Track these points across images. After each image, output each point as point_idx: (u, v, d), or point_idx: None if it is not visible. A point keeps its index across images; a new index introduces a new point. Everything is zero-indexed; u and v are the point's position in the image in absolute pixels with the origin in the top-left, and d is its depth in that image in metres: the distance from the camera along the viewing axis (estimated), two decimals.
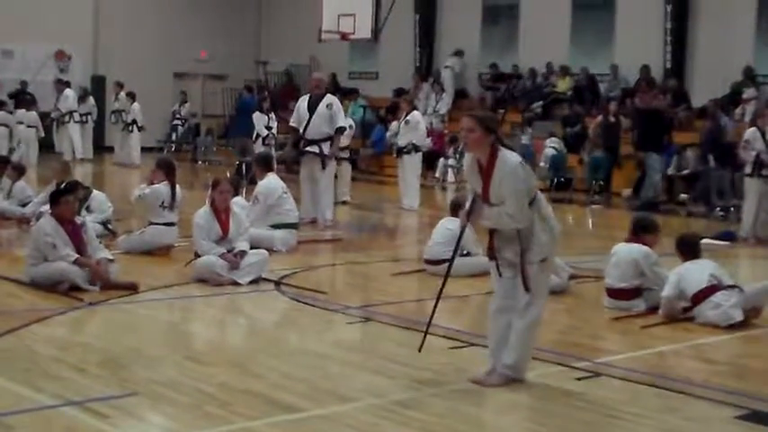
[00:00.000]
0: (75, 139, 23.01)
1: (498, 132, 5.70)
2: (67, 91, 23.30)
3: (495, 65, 23.33)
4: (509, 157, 5.59)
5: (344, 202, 15.66)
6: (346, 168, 16.39)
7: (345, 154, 16.04)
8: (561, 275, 8.66)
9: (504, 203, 5.56)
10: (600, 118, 19.33)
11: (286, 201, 10.95)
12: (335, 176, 15.29)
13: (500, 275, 5.77)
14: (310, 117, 12.88)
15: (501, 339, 5.73)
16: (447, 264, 9.07)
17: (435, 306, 6.11)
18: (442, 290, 6.12)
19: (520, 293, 5.67)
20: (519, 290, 5.67)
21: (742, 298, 7.57)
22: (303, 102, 13.18)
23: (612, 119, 19.10)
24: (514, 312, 5.69)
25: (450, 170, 21.32)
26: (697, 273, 7.72)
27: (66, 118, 23.01)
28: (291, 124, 13.21)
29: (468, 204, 5.89)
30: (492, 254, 5.78)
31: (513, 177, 5.54)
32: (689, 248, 8.01)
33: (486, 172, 5.64)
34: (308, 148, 12.91)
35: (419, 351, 6.02)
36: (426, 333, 6.07)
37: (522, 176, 5.57)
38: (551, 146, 19.48)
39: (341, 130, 13.20)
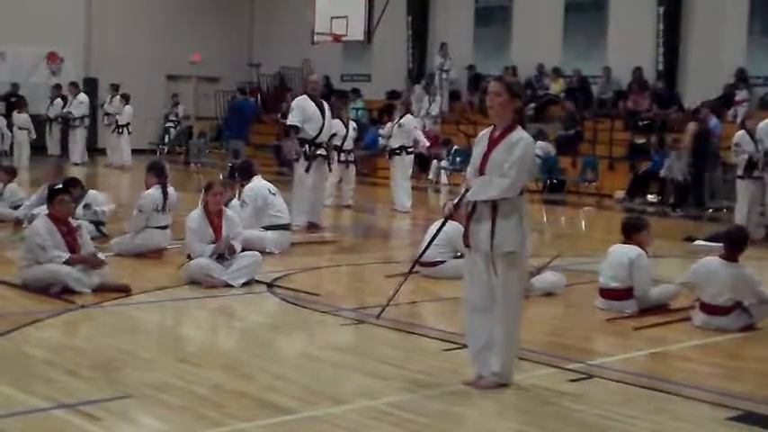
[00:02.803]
0: (78, 143, 23.02)
1: (523, 101, 5.77)
2: (81, 96, 23.25)
3: (473, 66, 23.32)
4: (524, 133, 5.67)
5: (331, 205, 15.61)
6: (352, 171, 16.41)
7: (351, 157, 16.06)
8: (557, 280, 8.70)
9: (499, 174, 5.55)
10: (693, 125, 17.55)
11: (275, 201, 10.93)
12: (340, 180, 15.65)
13: (475, 265, 5.70)
14: (324, 120, 12.77)
15: (483, 346, 5.69)
16: (441, 265, 9.15)
17: (399, 287, 6.62)
18: (408, 273, 6.68)
19: (496, 293, 5.61)
20: (494, 289, 5.62)
21: (746, 320, 7.55)
22: (308, 103, 12.76)
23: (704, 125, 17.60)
24: (491, 315, 5.64)
25: (443, 172, 21.35)
26: (716, 284, 7.56)
27: (77, 122, 23.01)
28: (294, 123, 12.67)
29: (457, 199, 5.87)
30: (467, 241, 5.75)
31: (524, 146, 5.59)
32: (730, 244, 7.76)
33: (495, 140, 5.65)
34: (319, 152, 12.79)
35: (377, 318, 6.84)
36: (388, 303, 6.70)
37: (532, 150, 5.66)
38: (536, 152, 19.39)
39: (335, 135, 13.21)
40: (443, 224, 6.51)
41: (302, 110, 12.75)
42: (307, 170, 12.72)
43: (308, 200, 12.76)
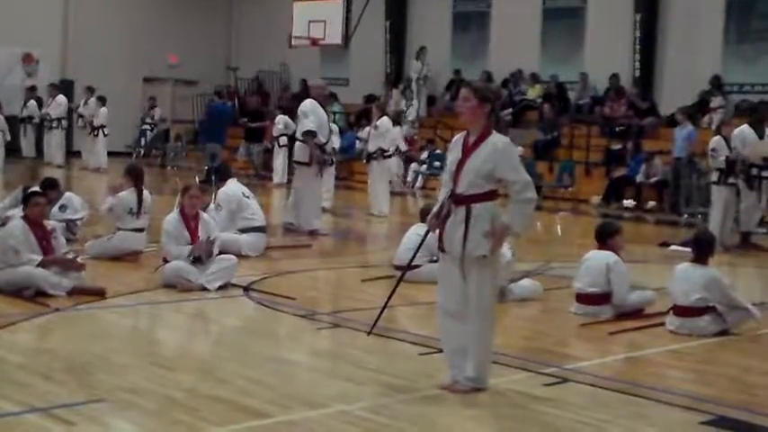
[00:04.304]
0: (57, 146, 22.89)
1: (495, 105, 5.72)
2: (60, 97, 23.14)
3: (459, 71, 23.37)
4: (501, 137, 5.64)
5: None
6: None
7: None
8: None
9: (481, 183, 5.57)
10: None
11: (249, 205, 10.94)
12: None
13: (449, 269, 5.71)
14: (329, 127, 13.24)
15: (457, 350, 5.70)
16: (417, 269, 9.13)
17: (387, 302, 6.37)
18: (395, 288, 6.35)
19: (469, 297, 5.62)
20: (468, 293, 5.63)
21: (720, 325, 7.61)
22: (319, 110, 12.98)
23: None
24: (465, 319, 5.65)
25: (419, 176, 21.37)
26: (688, 284, 7.65)
27: (54, 124, 22.90)
28: (313, 128, 12.78)
29: (435, 208, 5.86)
30: (442, 245, 5.76)
31: (510, 149, 5.61)
32: (698, 248, 7.88)
33: (470, 146, 5.64)
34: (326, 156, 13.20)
35: (368, 334, 6.51)
36: (378, 318, 6.42)
37: (515, 150, 5.66)
38: None
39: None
40: (427, 233, 6.39)
41: (317, 115, 12.89)
42: (320, 175, 13.06)
43: (318, 204, 13.15)
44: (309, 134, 12.78)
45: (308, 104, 13.02)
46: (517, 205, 5.59)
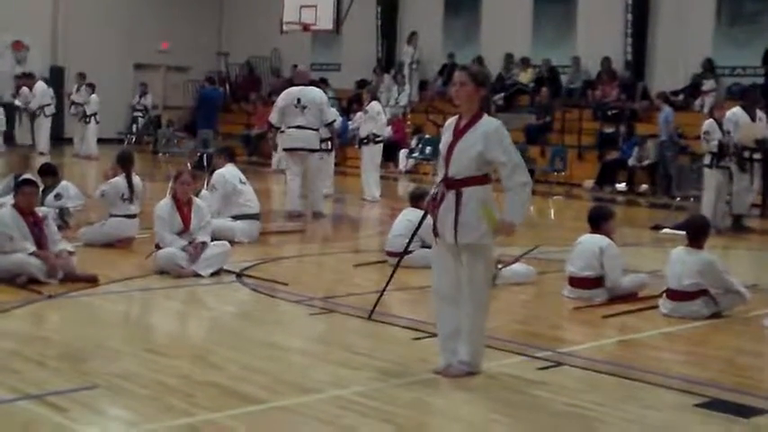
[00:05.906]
0: (41, 133, 22.78)
1: (488, 89, 5.78)
2: (36, 86, 23.02)
3: (452, 54, 23.31)
4: (492, 119, 5.65)
5: None
6: None
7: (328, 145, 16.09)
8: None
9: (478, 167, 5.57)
10: None
11: (244, 191, 10.91)
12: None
13: (443, 253, 5.71)
14: None
15: (451, 333, 5.70)
16: (409, 255, 9.13)
17: (384, 287, 6.53)
18: (393, 274, 6.52)
19: (463, 282, 5.63)
20: (461, 278, 5.63)
21: (713, 308, 7.62)
22: None
23: None
24: (459, 304, 5.65)
25: (410, 161, 21.36)
26: (682, 268, 7.66)
27: (38, 112, 22.81)
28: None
29: (432, 192, 5.86)
30: (436, 231, 5.76)
31: (502, 132, 5.60)
32: (692, 232, 7.89)
33: (461, 130, 5.64)
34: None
35: (369, 318, 6.76)
36: (376, 305, 6.54)
37: (506, 133, 5.63)
38: None
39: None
40: (424, 217, 6.38)
41: None
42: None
43: (323, 188, 13.94)
44: (333, 123, 13.79)
45: (323, 94, 13.67)
46: (511, 193, 5.58)
